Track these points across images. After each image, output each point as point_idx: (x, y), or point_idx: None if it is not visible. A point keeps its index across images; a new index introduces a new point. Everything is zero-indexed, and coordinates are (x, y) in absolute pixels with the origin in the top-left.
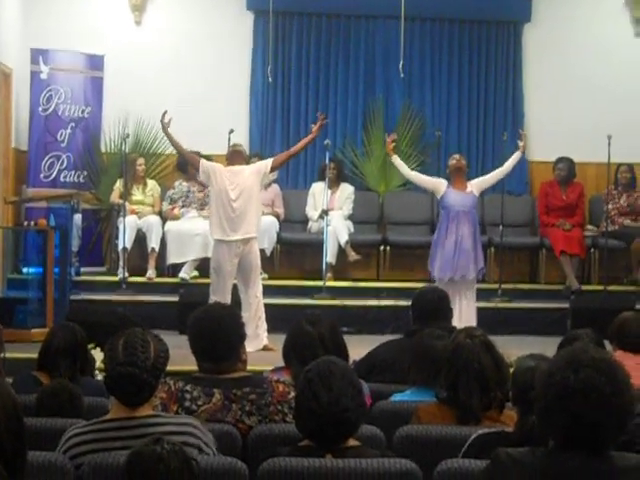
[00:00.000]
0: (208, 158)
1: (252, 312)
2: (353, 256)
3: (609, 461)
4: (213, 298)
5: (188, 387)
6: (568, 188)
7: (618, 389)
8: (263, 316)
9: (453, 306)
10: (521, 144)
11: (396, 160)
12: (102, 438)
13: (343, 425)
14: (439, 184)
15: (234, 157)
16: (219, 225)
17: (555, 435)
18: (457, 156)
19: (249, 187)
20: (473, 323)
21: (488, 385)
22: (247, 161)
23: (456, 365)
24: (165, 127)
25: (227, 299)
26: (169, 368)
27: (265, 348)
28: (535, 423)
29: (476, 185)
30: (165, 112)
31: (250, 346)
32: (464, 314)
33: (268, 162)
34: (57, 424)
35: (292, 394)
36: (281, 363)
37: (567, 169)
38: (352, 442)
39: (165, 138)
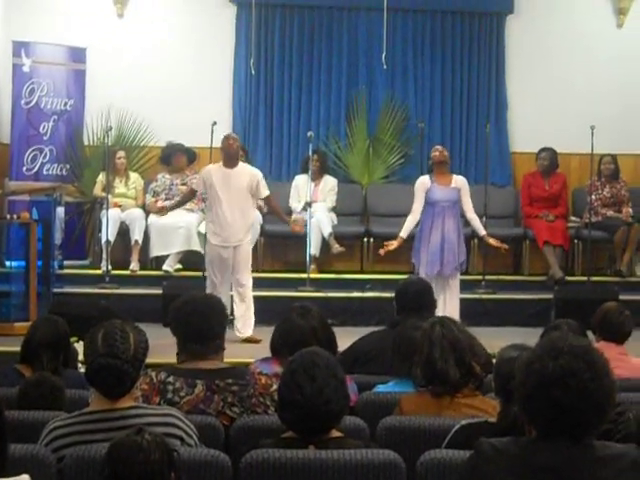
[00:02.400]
0: (191, 152)
1: (245, 303)
2: (337, 248)
3: (591, 450)
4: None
5: (170, 379)
6: (551, 179)
7: (597, 375)
8: (252, 308)
9: (437, 298)
10: (490, 240)
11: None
12: (83, 430)
13: (326, 416)
14: (423, 186)
15: (236, 155)
16: (213, 231)
17: (536, 423)
18: (439, 148)
19: (243, 191)
20: (456, 314)
21: (462, 354)
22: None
23: (430, 340)
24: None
25: (222, 293)
26: (152, 360)
27: (250, 339)
28: (517, 413)
29: (462, 187)
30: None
31: (242, 330)
32: (448, 306)
33: (264, 192)
34: (39, 417)
35: (274, 386)
36: (263, 354)
37: (549, 159)
38: (335, 433)
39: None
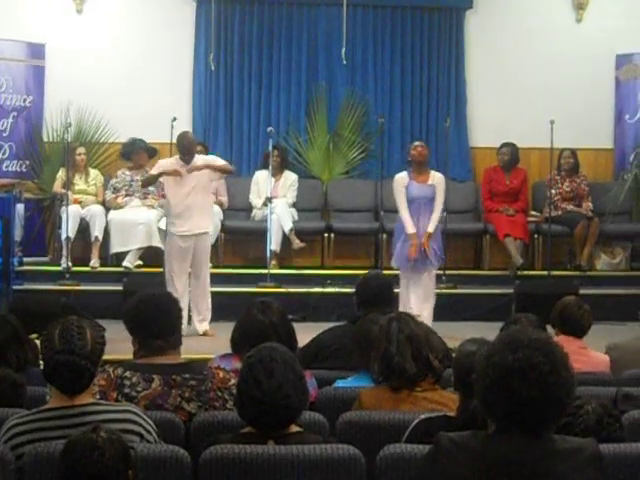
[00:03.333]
0: (152, 149)
1: (202, 297)
2: (297, 244)
3: (550, 444)
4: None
5: (127, 374)
6: (511, 174)
7: (556, 367)
8: (209, 302)
9: (409, 293)
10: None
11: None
12: (42, 427)
13: (285, 411)
14: (401, 182)
15: (193, 147)
16: (172, 221)
17: (496, 416)
18: (419, 146)
19: (203, 181)
20: (429, 312)
21: (420, 349)
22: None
23: (387, 334)
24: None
25: (180, 288)
26: (112, 357)
27: (205, 333)
28: (477, 407)
29: (438, 184)
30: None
31: (199, 324)
32: (424, 303)
33: (220, 160)
34: None
35: (233, 381)
36: (224, 350)
37: (510, 154)
38: (295, 428)
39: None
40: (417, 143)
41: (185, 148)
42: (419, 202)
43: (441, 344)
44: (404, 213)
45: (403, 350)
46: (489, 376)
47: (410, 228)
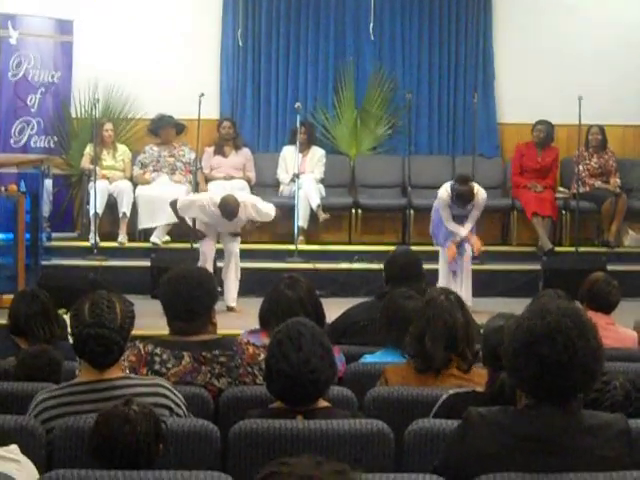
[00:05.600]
0: (180, 124)
1: (233, 266)
2: (322, 215)
3: (578, 419)
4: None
5: (157, 350)
6: (544, 151)
7: (584, 333)
8: (239, 276)
9: (454, 277)
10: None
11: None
12: (72, 402)
13: (313, 385)
14: (447, 202)
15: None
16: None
17: (524, 384)
18: (468, 191)
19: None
20: (470, 283)
21: (456, 339)
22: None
23: (427, 315)
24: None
25: (210, 255)
26: (140, 332)
27: (230, 309)
28: (505, 381)
29: (477, 204)
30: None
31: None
32: (463, 285)
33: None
34: (36, 388)
35: (262, 356)
36: (252, 326)
37: (545, 131)
38: (323, 403)
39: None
40: (464, 189)
41: (227, 216)
42: (460, 218)
43: (478, 335)
44: (451, 225)
45: (438, 338)
46: (518, 341)
47: (463, 232)
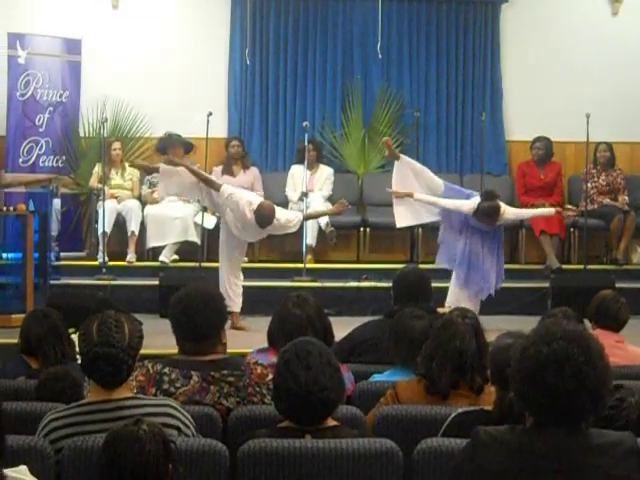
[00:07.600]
0: (188, 143)
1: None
2: (329, 229)
3: (587, 438)
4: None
5: (166, 370)
6: (546, 167)
7: (591, 359)
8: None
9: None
10: None
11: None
12: (80, 422)
13: (321, 404)
14: (468, 208)
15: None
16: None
17: (532, 409)
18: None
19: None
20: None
21: (464, 366)
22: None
23: (439, 338)
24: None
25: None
26: (149, 351)
27: (240, 328)
28: (513, 400)
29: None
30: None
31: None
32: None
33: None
34: (41, 408)
35: (270, 376)
36: (259, 345)
37: (544, 148)
38: (331, 422)
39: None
40: (491, 205)
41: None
42: (480, 231)
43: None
44: (446, 202)
45: (445, 362)
46: (524, 369)
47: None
